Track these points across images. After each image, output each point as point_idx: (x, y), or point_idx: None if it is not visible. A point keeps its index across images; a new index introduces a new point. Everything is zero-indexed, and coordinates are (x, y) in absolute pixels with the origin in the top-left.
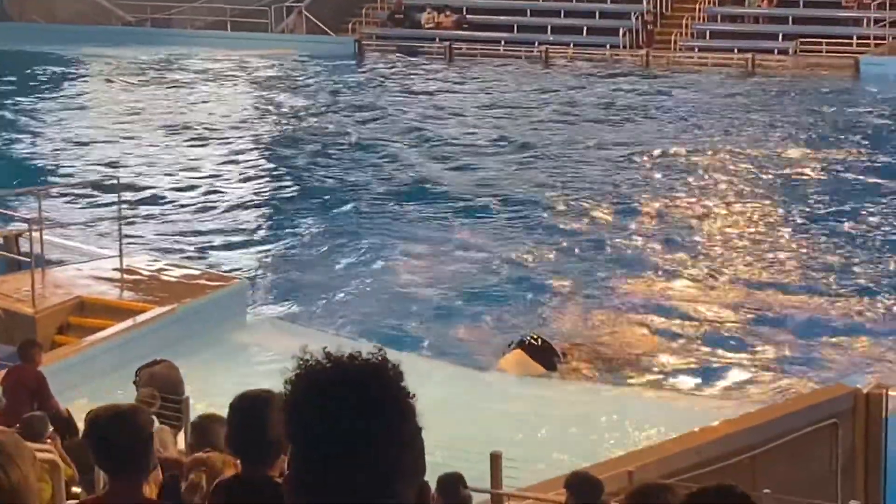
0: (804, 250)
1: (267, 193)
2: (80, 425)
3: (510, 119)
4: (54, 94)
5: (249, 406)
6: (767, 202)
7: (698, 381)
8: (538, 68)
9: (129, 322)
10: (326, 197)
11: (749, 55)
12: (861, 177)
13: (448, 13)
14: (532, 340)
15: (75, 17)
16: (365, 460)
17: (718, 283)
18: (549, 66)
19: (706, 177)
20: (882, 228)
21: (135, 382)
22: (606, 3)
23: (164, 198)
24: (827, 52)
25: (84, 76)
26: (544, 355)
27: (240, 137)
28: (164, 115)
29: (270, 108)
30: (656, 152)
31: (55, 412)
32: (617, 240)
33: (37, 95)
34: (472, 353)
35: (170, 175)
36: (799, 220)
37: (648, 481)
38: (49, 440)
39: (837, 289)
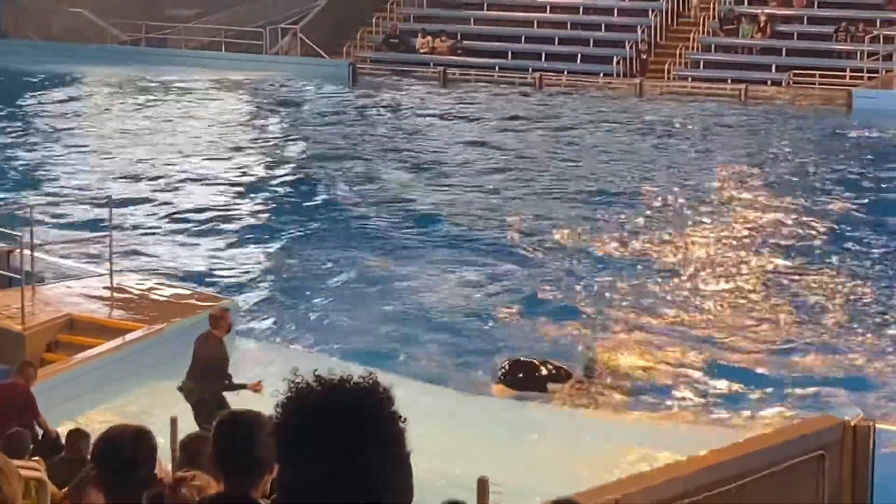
0: (796, 283)
1: (258, 214)
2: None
3: (504, 145)
4: (47, 112)
5: (236, 425)
6: (758, 235)
7: (686, 409)
8: (532, 95)
9: (118, 341)
10: (317, 219)
11: (742, 85)
12: (853, 211)
13: (443, 38)
14: (510, 374)
15: (70, 35)
16: (355, 483)
17: (707, 313)
18: (543, 93)
19: (698, 208)
20: (873, 263)
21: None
22: (601, 31)
23: (155, 217)
24: (820, 84)
25: (78, 94)
26: (528, 383)
27: (232, 158)
28: (157, 134)
29: (263, 129)
30: (649, 181)
31: (45, 430)
32: (610, 268)
33: (30, 112)
34: (463, 376)
35: (161, 194)
36: (790, 253)
37: None
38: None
39: (827, 321)
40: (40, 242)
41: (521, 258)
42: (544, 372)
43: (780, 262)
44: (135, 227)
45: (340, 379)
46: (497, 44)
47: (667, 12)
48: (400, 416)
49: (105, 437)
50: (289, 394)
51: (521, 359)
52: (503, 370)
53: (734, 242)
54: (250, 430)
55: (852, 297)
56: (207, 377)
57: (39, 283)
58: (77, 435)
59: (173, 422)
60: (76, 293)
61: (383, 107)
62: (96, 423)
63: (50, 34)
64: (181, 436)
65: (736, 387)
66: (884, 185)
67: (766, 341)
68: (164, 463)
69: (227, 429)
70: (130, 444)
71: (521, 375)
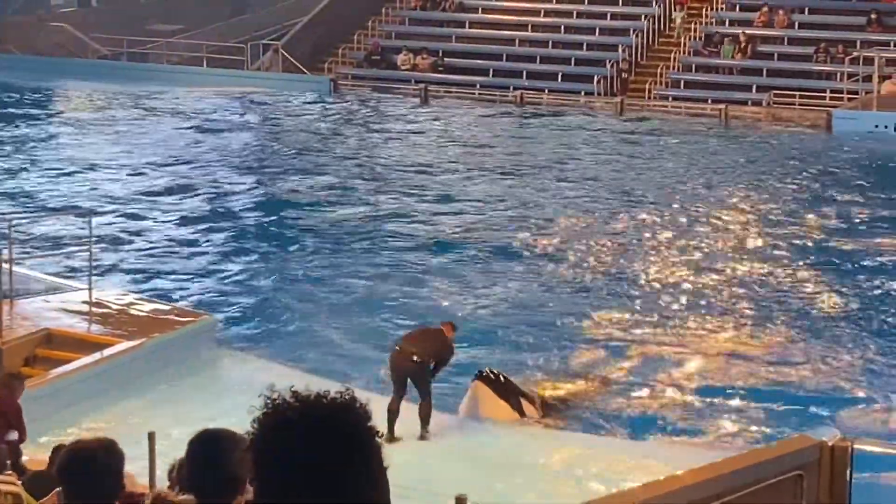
0: (774, 301)
1: (238, 230)
2: (44, 457)
3: (485, 163)
4: (29, 126)
5: (209, 442)
6: (735, 254)
7: (664, 429)
8: (513, 112)
9: (96, 355)
10: (297, 235)
11: (722, 106)
12: (833, 232)
13: (424, 55)
14: (489, 376)
15: (52, 49)
16: (331, 498)
17: (686, 332)
18: (524, 111)
19: (678, 229)
20: (852, 281)
21: None
22: (582, 50)
23: (135, 231)
24: (800, 105)
25: (59, 108)
26: (504, 389)
27: (213, 173)
28: (138, 148)
29: (244, 145)
30: (627, 200)
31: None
32: (588, 285)
33: (10, 126)
34: (442, 394)
35: (141, 209)
36: (767, 272)
37: None
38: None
39: (806, 340)
40: (19, 256)
41: (500, 274)
42: (515, 386)
43: (758, 280)
44: (114, 242)
45: (317, 394)
46: (479, 61)
47: (648, 32)
48: (377, 432)
49: (72, 450)
50: (265, 409)
51: (489, 369)
52: (483, 372)
53: (712, 262)
54: (223, 448)
55: (832, 316)
56: (436, 355)
57: (17, 297)
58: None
59: (151, 437)
60: (54, 307)
61: (364, 123)
62: (74, 437)
63: (32, 48)
64: (159, 449)
65: (713, 407)
66: (864, 206)
67: (743, 361)
68: (140, 478)
69: (200, 446)
70: (99, 457)
71: (501, 381)
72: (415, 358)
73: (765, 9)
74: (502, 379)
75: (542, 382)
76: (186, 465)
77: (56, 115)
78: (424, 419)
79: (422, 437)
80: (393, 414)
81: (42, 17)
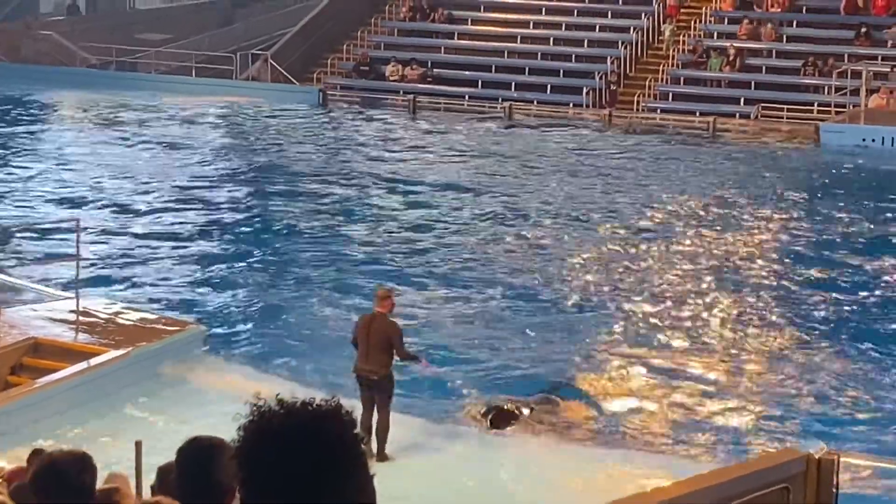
0: (760, 314)
1: (225, 239)
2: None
3: (472, 175)
4: (15, 134)
5: (198, 451)
6: (723, 268)
7: (650, 442)
8: (501, 124)
9: (83, 364)
10: (285, 244)
11: (711, 118)
12: (818, 246)
13: (413, 66)
14: (510, 415)
15: (40, 58)
16: None
17: (673, 345)
18: (512, 123)
19: (664, 240)
20: (838, 294)
21: None
22: (571, 62)
23: (122, 241)
24: (788, 118)
25: (47, 117)
26: (517, 419)
27: (201, 184)
28: (125, 158)
29: (232, 154)
30: (618, 212)
31: None
32: (578, 298)
33: None
34: (431, 404)
35: (129, 219)
36: (754, 286)
37: None
38: None
39: (792, 354)
40: (6, 265)
41: (486, 286)
42: (525, 412)
43: (744, 294)
44: (102, 251)
45: (303, 402)
46: (467, 73)
47: (637, 44)
48: (362, 439)
49: (45, 463)
50: (251, 417)
51: (505, 407)
52: (490, 419)
53: (699, 274)
54: (211, 456)
55: (819, 329)
56: (389, 350)
57: (4, 306)
58: (39, 456)
59: (138, 445)
60: (41, 316)
61: (353, 133)
62: (60, 446)
63: (20, 57)
64: (146, 458)
65: (700, 419)
66: (851, 220)
67: (730, 374)
68: (130, 487)
69: (189, 453)
70: (71, 473)
71: (514, 414)
72: (374, 377)
73: (752, 22)
74: (514, 412)
75: (529, 397)
76: (176, 472)
77: (43, 123)
78: (383, 436)
79: (380, 457)
80: (368, 431)
81: (30, 25)
